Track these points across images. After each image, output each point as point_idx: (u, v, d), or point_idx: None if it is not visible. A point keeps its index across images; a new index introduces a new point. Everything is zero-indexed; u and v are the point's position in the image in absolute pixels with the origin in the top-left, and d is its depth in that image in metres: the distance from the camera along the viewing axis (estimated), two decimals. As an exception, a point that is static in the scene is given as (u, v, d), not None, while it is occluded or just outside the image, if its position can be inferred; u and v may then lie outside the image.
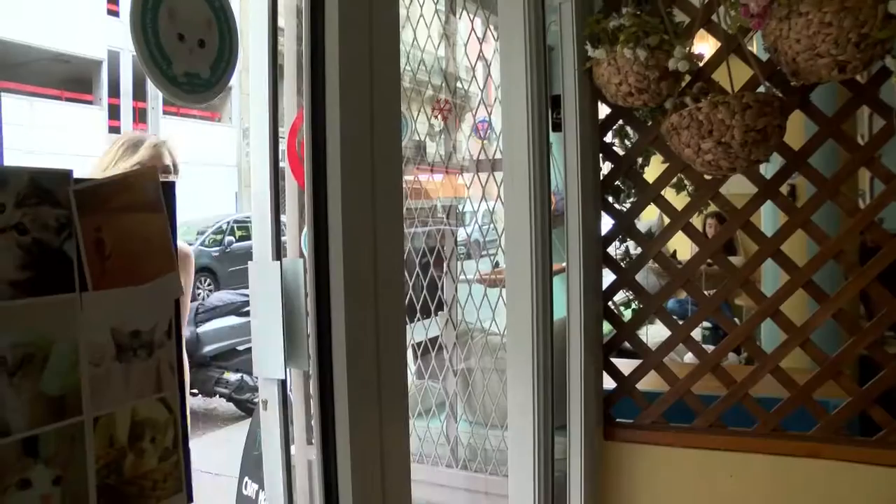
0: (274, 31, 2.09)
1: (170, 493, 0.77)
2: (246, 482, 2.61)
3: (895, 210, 2.07)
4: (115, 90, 17.46)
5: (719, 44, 2.17)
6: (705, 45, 2.53)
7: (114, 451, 0.71)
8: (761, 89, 2.04)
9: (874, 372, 2.10)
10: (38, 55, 15.13)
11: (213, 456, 4.79)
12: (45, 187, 0.66)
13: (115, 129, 17.40)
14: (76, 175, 0.68)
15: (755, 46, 3.00)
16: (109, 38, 16.36)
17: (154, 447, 0.75)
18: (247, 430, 2.81)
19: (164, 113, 17.61)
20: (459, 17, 3.05)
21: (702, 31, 2.21)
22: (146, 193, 0.75)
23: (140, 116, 18.09)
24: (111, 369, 0.71)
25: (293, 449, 1.81)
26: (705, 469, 2.27)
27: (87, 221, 0.68)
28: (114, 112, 17.53)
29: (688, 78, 2.19)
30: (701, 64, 2.18)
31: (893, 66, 1.91)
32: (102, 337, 0.70)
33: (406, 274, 2.86)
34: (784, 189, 2.24)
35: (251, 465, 2.60)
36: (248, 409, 6.23)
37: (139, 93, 17.38)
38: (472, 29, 2.88)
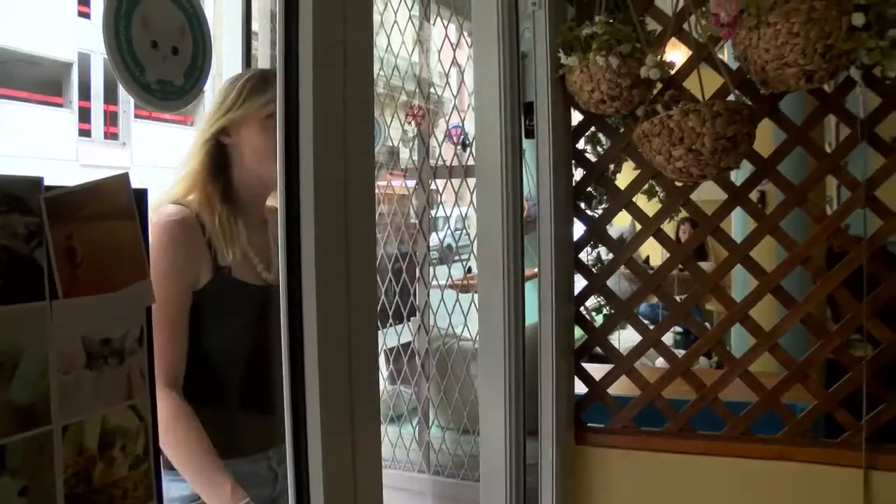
0: (248, 35, 2.08)
1: (140, 501, 0.76)
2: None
3: (861, 216, 2.11)
4: (85, 93, 17.25)
5: (691, 52, 2.20)
6: (677, 54, 2.56)
7: (83, 459, 0.70)
8: (731, 97, 2.07)
9: (841, 375, 2.13)
10: (8, 57, 14.92)
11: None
12: (16, 195, 0.65)
13: (85, 133, 17.20)
14: (47, 182, 0.68)
15: (726, 55, 3.04)
16: (80, 40, 16.15)
17: (124, 455, 0.75)
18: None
19: (136, 116, 17.43)
20: (433, 23, 3.05)
21: (673, 40, 2.23)
22: (118, 201, 0.75)
23: (111, 120, 17.89)
24: (81, 377, 0.70)
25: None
26: (675, 472, 2.29)
27: (58, 229, 0.68)
28: (84, 115, 17.32)
29: (659, 86, 2.21)
30: (672, 72, 2.21)
31: (858, 76, 1.95)
32: (73, 345, 0.70)
33: (378, 279, 2.86)
34: (754, 195, 2.28)
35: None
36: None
37: (110, 96, 17.19)
38: (446, 35, 2.89)
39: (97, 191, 0.73)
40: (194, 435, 1.44)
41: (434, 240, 3.11)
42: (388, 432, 2.99)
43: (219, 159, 1.59)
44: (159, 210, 1.51)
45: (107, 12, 0.84)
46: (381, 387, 2.89)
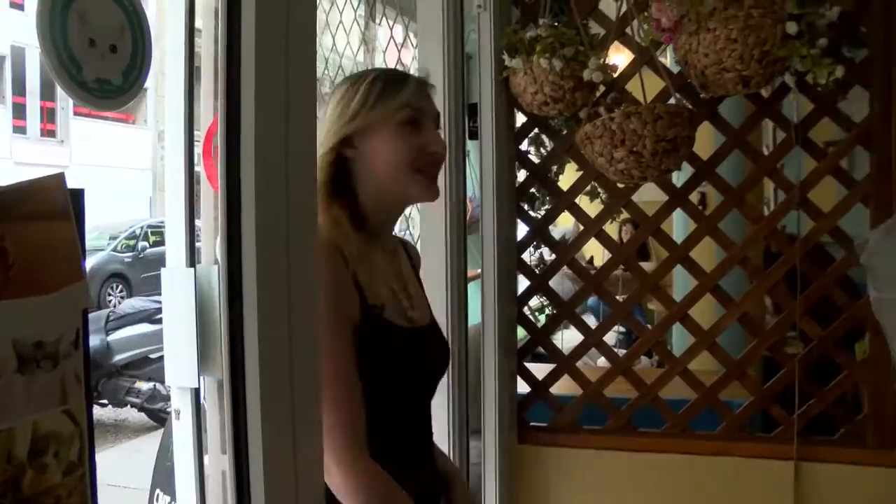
0: (191, 32, 2.05)
1: (75, 507, 0.75)
2: (157, 494, 2.54)
3: (795, 217, 2.17)
4: (20, 88, 16.76)
5: (633, 56, 2.23)
6: (620, 57, 2.59)
7: (12, 468, 0.68)
8: (672, 101, 2.11)
9: (777, 372, 2.19)
10: (-64, 50, 14.43)
11: (123, 468, 4.63)
12: (-57, 194, 0.63)
13: (20, 129, 16.72)
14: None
15: (668, 59, 3.09)
16: (13, 32, 15.64)
17: (57, 462, 0.73)
18: (159, 440, 2.74)
19: (75, 114, 16.99)
20: (379, 24, 3.05)
21: (616, 44, 2.27)
22: (54, 201, 0.73)
23: (48, 117, 17.43)
24: (12, 382, 0.68)
25: (206, 459, 1.78)
26: (617, 470, 2.32)
27: (-12, 230, 0.66)
28: (19, 111, 16.84)
29: (602, 88, 2.24)
30: (615, 75, 2.24)
31: (792, 82, 2.01)
32: (3, 349, 0.68)
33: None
34: (695, 197, 2.32)
35: (163, 476, 2.53)
36: (160, 419, 6.07)
37: (47, 92, 16.73)
38: (392, 35, 2.89)
39: (31, 191, 0.71)
40: (405, 497, 1.26)
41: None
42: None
43: (342, 175, 1.34)
44: None
45: (41, 7, 0.82)
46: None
